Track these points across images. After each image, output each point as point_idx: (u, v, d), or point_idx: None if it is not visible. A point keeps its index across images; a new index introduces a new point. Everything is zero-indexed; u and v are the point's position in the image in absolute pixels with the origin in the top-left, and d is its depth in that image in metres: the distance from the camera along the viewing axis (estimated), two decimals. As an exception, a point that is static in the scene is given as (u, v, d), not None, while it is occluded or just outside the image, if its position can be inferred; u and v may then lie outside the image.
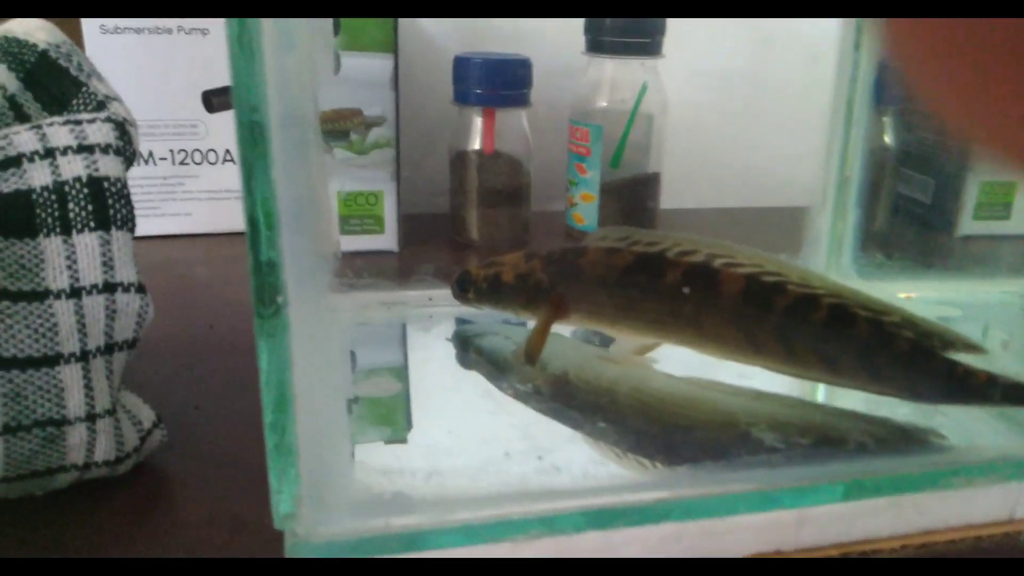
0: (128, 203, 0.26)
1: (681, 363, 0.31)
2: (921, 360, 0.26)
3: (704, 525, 0.23)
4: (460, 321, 0.36)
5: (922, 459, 0.26)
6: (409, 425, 0.27)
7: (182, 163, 0.53)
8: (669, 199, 0.59)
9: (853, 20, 0.38)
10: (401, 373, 0.32)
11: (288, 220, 0.19)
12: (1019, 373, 0.29)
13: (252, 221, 0.18)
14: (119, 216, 0.26)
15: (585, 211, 0.56)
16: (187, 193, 0.54)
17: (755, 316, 0.28)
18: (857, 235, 0.37)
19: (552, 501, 0.21)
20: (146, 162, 0.53)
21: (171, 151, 0.53)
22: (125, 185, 0.26)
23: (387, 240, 0.52)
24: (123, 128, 0.28)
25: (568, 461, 0.24)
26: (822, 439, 0.27)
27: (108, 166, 0.26)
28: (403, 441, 0.25)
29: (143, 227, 0.53)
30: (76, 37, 0.50)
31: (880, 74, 0.54)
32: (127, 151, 0.27)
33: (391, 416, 0.28)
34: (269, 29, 0.18)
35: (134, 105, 0.51)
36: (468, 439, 0.26)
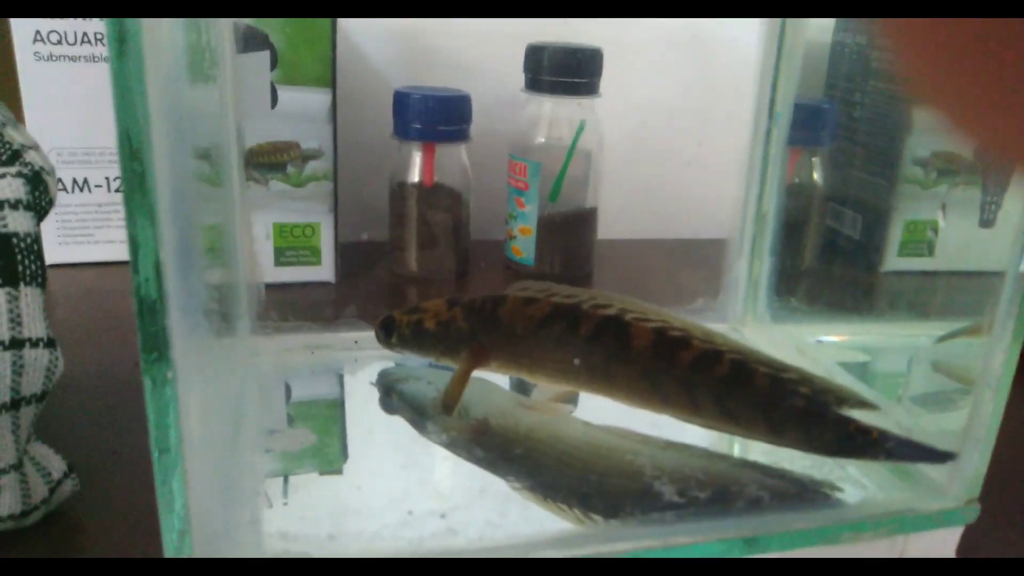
0: (39, 258, 0.26)
1: (602, 409, 0.32)
2: (815, 416, 0.27)
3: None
4: (397, 364, 0.37)
5: (814, 514, 0.27)
6: (319, 482, 0.27)
7: (117, 191, 0.53)
8: (606, 231, 0.60)
9: (773, 55, 0.39)
10: (321, 421, 0.33)
11: (182, 263, 0.19)
12: (910, 427, 0.30)
13: (135, 266, 0.17)
14: (28, 272, 0.26)
15: (523, 244, 0.57)
16: (122, 221, 0.53)
17: (662, 368, 0.29)
18: (772, 280, 0.38)
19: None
20: (81, 190, 0.53)
21: (106, 178, 0.53)
22: (36, 239, 0.26)
23: (324, 271, 0.52)
24: (37, 179, 0.28)
25: (467, 523, 0.24)
26: (720, 492, 0.27)
27: (17, 222, 0.26)
28: (311, 499, 0.26)
29: (76, 254, 0.53)
30: (10, 65, 0.50)
31: (807, 113, 0.55)
32: (41, 202, 0.27)
33: (303, 472, 0.28)
34: (160, 60, 0.18)
35: (69, 133, 0.52)
36: (375, 497, 0.26)
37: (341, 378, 0.36)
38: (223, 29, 0.31)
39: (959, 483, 0.28)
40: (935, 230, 0.56)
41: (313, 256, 0.52)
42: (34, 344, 0.26)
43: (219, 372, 0.26)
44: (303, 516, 0.25)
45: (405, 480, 0.27)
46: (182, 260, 0.19)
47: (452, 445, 0.30)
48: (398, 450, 0.30)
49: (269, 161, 0.50)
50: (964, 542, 0.28)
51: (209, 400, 0.22)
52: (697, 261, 0.61)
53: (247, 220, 0.35)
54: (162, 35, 0.18)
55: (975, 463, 0.27)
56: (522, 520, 0.25)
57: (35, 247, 0.26)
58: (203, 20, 0.28)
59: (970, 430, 0.27)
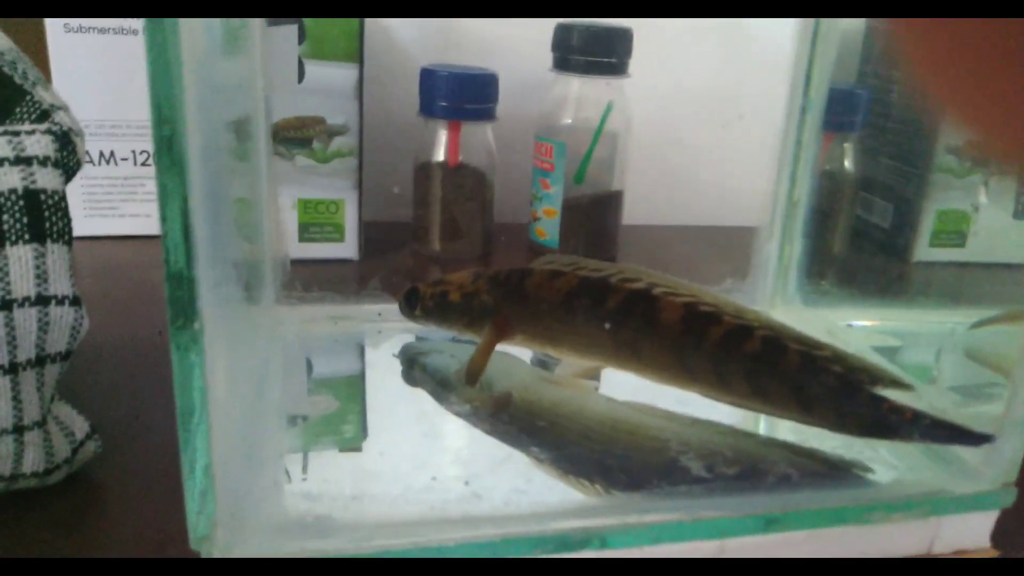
0: (65, 216, 0.26)
1: (627, 386, 0.31)
2: (848, 395, 0.27)
3: (623, 553, 0.23)
4: (420, 337, 0.37)
5: (842, 493, 0.26)
6: (342, 447, 0.27)
7: (144, 164, 0.53)
8: (631, 216, 0.60)
9: (808, 41, 0.38)
10: (343, 391, 0.32)
11: (210, 233, 0.19)
12: (945, 408, 0.29)
13: (166, 235, 0.18)
14: (55, 229, 0.25)
15: (548, 226, 0.56)
16: (148, 194, 0.54)
17: (691, 344, 0.29)
18: (803, 262, 0.38)
19: (470, 529, 0.21)
20: (108, 162, 0.53)
21: (133, 152, 0.53)
22: (63, 198, 0.26)
23: (347, 248, 0.52)
24: (66, 139, 0.27)
25: (492, 488, 0.24)
26: (748, 469, 0.27)
27: (46, 179, 0.26)
28: (334, 463, 0.26)
29: (102, 227, 0.53)
30: (40, 36, 0.50)
31: (840, 99, 0.54)
32: (69, 162, 0.27)
33: (326, 437, 0.28)
34: (196, 35, 0.18)
35: (97, 105, 0.52)
36: (398, 463, 0.26)
37: (363, 349, 0.35)
38: None
39: (995, 466, 0.27)
40: (975, 208, 0.55)
41: (337, 232, 0.52)
42: (59, 302, 0.25)
43: (244, 338, 0.26)
44: (326, 479, 0.24)
45: (428, 448, 0.27)
46: (210, 229, 0.19)
47: (474, 417, 0.30)
48: (420, 420, 0.29)
49: (295, 136, 0.49)
50: (1000, 528, 0.28)
51: (233, 364, 0.22)
52: (724, 249, 0.60)
53: (273, 192, 0.34)
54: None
55: (1012, 446, 0.27)
56: (546, 488, 0.25)
57: (62, 204, 0.26)
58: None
59: (1008, 413, 0.26)
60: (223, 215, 0.21)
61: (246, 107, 0.31)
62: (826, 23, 0.37)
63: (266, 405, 0.28)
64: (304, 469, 0.25)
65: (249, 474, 0.23)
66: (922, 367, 0.38)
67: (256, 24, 0.32)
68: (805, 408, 0.28)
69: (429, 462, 0.26)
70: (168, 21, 0.17)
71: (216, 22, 0.21)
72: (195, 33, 0.18)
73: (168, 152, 0.17)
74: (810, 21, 0.37)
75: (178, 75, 0.17)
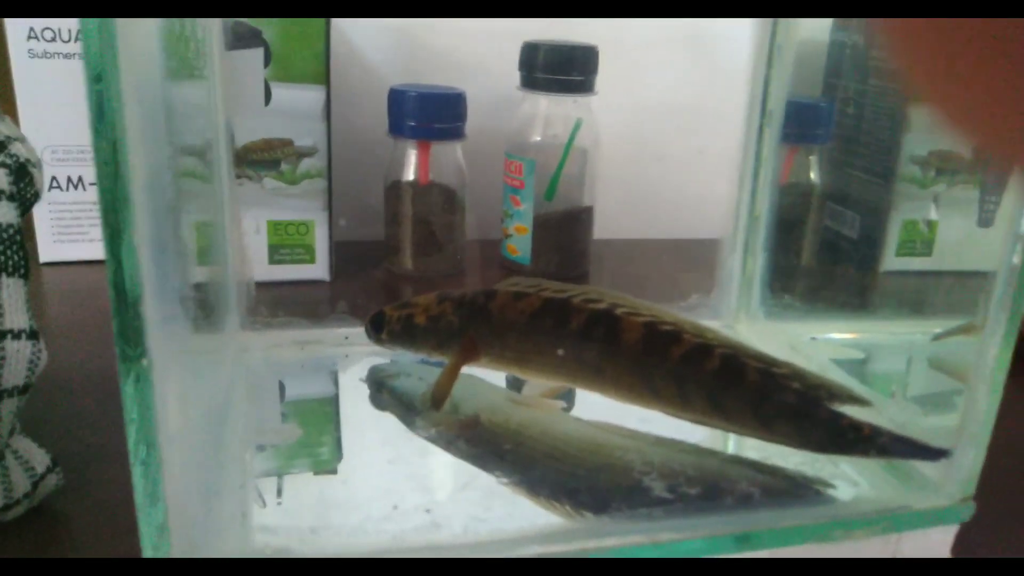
0: (21, 249, 0.26)
1: (597, 405, 0.32)
2: (807, 411, 0.27)
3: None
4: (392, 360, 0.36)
5: (804, 511, 0.26)
6: (305, 476, 0.27)
7: (112, 189, 0.53)
8: (602, 230, 0.60)
9: (765, 53, 0.38)
10: (309, 417, 0.32)
11: (157, 263, 0.18)
12: (905, 422, 0.30)
13: (110, 265, 0.17)
14: (10, 263, 0.25)
15: (519, 243, 0.56)
16: (117, 219, 0.53)
17: (652, 363, 0.29)
18: (766, 276, 0.38)
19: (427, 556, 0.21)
20: (76, 187, 0.53)
21: (101, 177, 0.53)
22: (19, 231, 0.26)
23: (318, 270, 0.52)
24: (22, 171, 0.27)
25: (451, 516, 0.24)
26: (711, 489, 0.27)
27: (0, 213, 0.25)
28: (295, 493, 0.25)
29: (71, 252, 0.53)
30: (4, 63, 0.50)
31: (805, 112, 0.55)
32: (25, 194, 0.27)
33: (288, 466, 0.28)
34: (141, 60, 0.18)
35: (64, 130, 0.51)
36: (360, 491, 0.26)
37: (331, 374, 0.35)
38: (212, 26, 0.31)
39: (954, 480, 0.27)
40: (928, 224, 0.56)
41: (307, 254, 0.52)
42: (16, 336, 0.25)
43: (202, 367, 0.26)
44: (287, 510, 0.24)
45: (392, 475, 0.27)
46: (158, 258, 0.19)
47: (441, 441, 0.30)
48: (386, 445, 0.29)
49: (263, 158, 0.49)
50: (960, 542, 0.28)
51: (189, 395, 0.22)
52: (694, 261, 0.60)
53: (236, 216, 0.34)
54: (138, 31, 0.18)
55: (970, 460, 0.27)
56: (507, 515, 0.25)
57: (17, 238, 0.26)
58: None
59: (964, 427, 0.27)
60: (175, 243, 0.21)
61: (206, 131, 0.31)
62: (782, 34, 0.37)
63: (229, 434, 0.27)
64: (263, 500, 0.25)
65: (208, 507, 0.23)
66: (886, 379, 0.38)
67: (215, 47, 0.32)
68: (765, 425, 0.28)
69: (392, 489, 0.26)
70: (107, 42, 0.16)
71: (164, 45, 0.21)
72: (141, 56, 0.18)
73: (112, 176, 0.17)
74: (766, 32, 0.37)
75: (119, 101, 0.17)
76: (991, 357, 0.26)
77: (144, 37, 0.18)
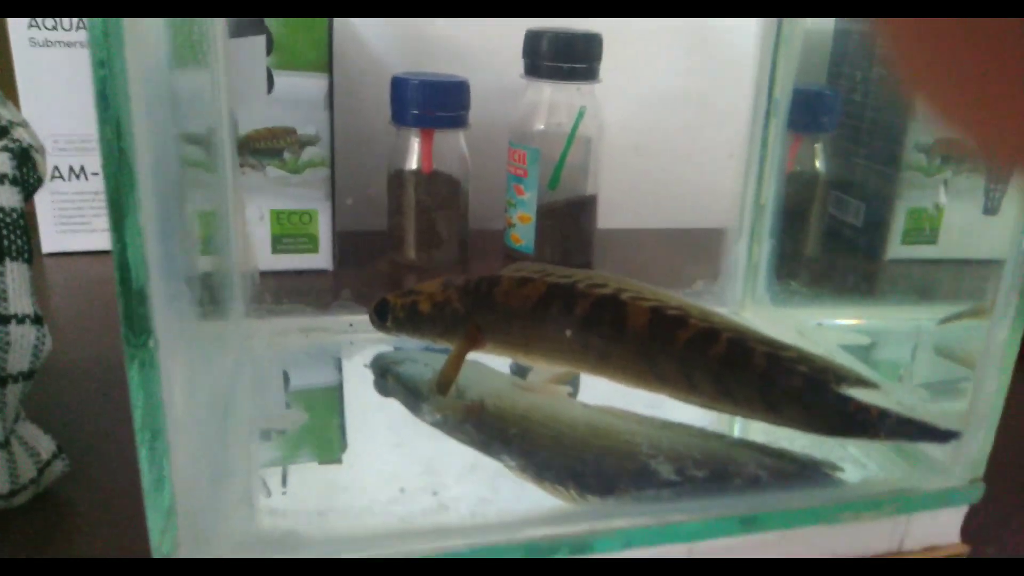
0: (25, 233, 0.26)
1: (601, 390, 0.31)
2: (814, 394, 0.27)
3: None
4: (396, 348, 0.36)
5: (812, 493, 0.26)
6: (312, 461, 0.27)
7: (114, 179, 0.53)
8: (606, 220, 0.60)
9: (771, 42, 0.38)
10: (315, 403, 0.32)
11: (163, 248, 0.18)
12: (913, 405, 0.30)
13: (117, 250, 0.17)
14: (14, 247, 0.25)
15: (523, 232, 0.56)
16: (120, 209, 0.53)
17: (658, 348, 0.29)
18: (772, 263, 0.38)
19: (436, 540, 0.21)
20: (78, 177, 0.53)
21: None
22: (22, 215, 0.26)
23: (321, 259, 0.52)
24: (25, 155, 0.27)
25: (459, 499, 0.24)
26: (718, 472, 0.27)
27: (3, 196, 0.25)
28: (302, 478, 0.25)
29: (74, 243, 0.53)
30: (5, 52, 0.49)
31: (810, 100, 0.55)
32: (29, 179, 0.27)
33: (295, 451, 0.28)
34: (146, 47, 0.18)
35: (66, 120, 0.51)
36: (367, 475, 0.26)
37: (336, 361, 0.35)
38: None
39: (962, 462, 0.27)
40: (937, 209, 0.55)
41: (310, 243, 0.52)
42: (20, 320, 0.25)
43: (208, 353, 0.26)
44: (294, 494, 0.24)
45: (398, 459, 0.27)
46: (164, 244, 0.19)
47: (447, 426, 0.30)
48: (391, 431, 0.29)
49: (265, 147, 0.49)
50: (969, 524, 0.28)
51: (195, 380, 0.22)
52: (698, 250, 0.60)
53: (240, 204, 0.34)
54: (146, 22, 0.18)
55: (979, 442, 0.27)
56: (514, 497, 0.25)
57: (20, 222, 0.25)
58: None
59: (973, 408, 0.27)
60: (180, 229, 0.21)
61: (209, 119, 0.31)
62: (788, 24, 0.37)
63: (234, 420, 0.27)
64: (270, 485, 0.25)
65: (214, 491, 0.23)
66: (892, 364, 0.38)
67: (218, 35, 0.31)
68: (772, 408, 0.28)
69: (398, 473, 0.26)
70: (113, 30, 0.16)
71: (169, 33, 0.21)
72: (145, 43, 0.18)
73: (118, 162, 0.17)
74: (773, 22, 0.37)
75: (124, 87, 0.17)
76: (1001, 340, 0.26)
77: (148, 23, 0.18)
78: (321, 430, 0.29)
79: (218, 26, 0.32)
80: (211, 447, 0.23)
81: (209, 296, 0.29)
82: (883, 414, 0.27)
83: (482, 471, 0.26)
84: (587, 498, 0.26)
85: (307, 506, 0.23)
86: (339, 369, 0.35)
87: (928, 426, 0.27)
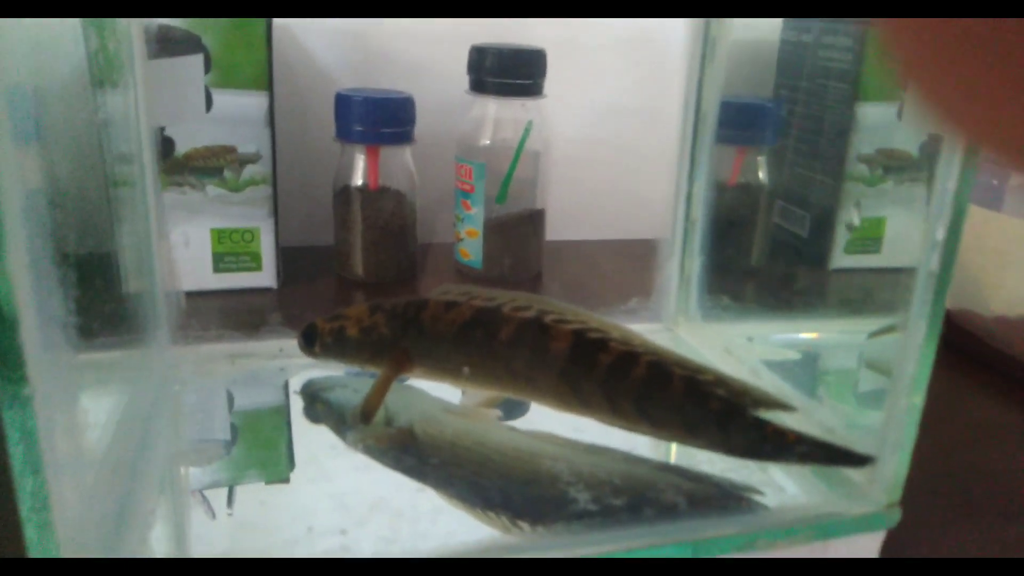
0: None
1: (538, 414, 0.31)
2: (731, 418, 0.27)
3: None
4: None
5: (728, 520, 0.26)
6: (224, 496, 0.26)
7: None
8: (554, 232, 0.60)
9: (698, 54, 0.38)
10: (238, 433, 0.32)
11: (39, 278, 0.18)
12: (833, 427, 0.30)
13: None
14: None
15: (471, 246, 0.56)
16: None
17: (581, 372, 0.29)
18: (703, 278, 0.38)
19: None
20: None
21: None
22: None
23: (265, 277, 0.52)
24: None
25: (363, 539, 0.24)
26: (635, 499, 0.27)
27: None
28: (211, 515, 0.25)
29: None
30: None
31: (753, 113, 0.55)
32: None
33: (211, 486, 0.27)
34: (8, 73, 0.17)
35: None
36: (277, 512, 0.25)
37: (265, 387, 0.35)
38: (130, 34, 0.30)
39: (879, 487, 0.27)
40: (849, 228, 0.56)
41: (253, 261, 0.51)
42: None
43: (113, 384, 0.26)
44: (198, 534, 0.24)
45: (313, 493, 0.27)
46: (42, 276, 0.18)
47: (373, 454, 0.30)
48: (313, 462, 0.29)
49: (205, 165, 0.49)
50: (888, 548, 0.28)
51: (91, 415, 0.22)
52: (645, 261, 0.60)
53: (163, 228, 0.34)
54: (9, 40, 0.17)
55: (895, 466, 0.27)
56: (418, 535, 0.24)
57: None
58: (100, 25, 0.27)
59: (888, 432, 0.27)
60: (63, 260, 0.21)
61: (122, 143, 0.30)
62: (714, 34, 0.37)
63: (149, 453, 0.27)
64: (176, 524, 0.24)
65: (110, 531, 0.22)
66: (820, 379, 0.38)
67: (135, 57, 0.31)
68: (691, 432, 0.28)
69: (310, 509, 0.25)
70: None
71: (40, 59, 0.21)
72: (5, 73, 0.17)
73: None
74: (699, 32, 0.37)
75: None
76: (912, 360, 0.26)
77: (7, 53, 0.17)
78: (241, 463, 0.29)
79: (135, 46, 0.31)
80: (112, 485, 0.23)
81: (124, 324, 0.29)
82: (799, 438, 0.27)
83: (385, 507, 0.26)
84: (503, 523, 0.25)
85: (209, 548, 0.23)
86: (267, 396, 0.34)
87: (843, 451, 0.27)
